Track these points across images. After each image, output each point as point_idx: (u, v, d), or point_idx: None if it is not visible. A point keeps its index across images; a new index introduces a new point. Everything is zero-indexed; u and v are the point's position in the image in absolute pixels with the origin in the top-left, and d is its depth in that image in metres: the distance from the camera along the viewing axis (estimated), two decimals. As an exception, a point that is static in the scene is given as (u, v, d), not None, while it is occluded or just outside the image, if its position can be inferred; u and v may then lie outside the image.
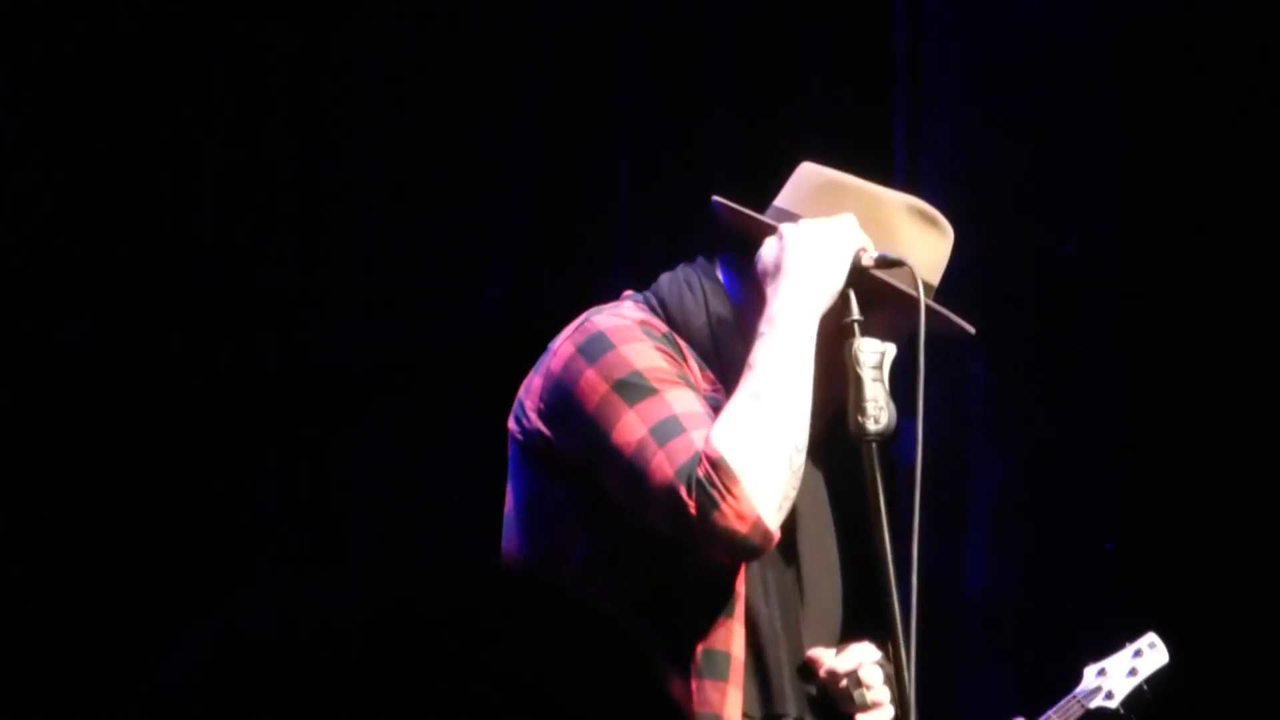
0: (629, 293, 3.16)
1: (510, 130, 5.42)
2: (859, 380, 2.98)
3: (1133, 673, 4.59)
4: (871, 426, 2.98)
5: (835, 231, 3.01)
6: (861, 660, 3.06)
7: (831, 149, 3.25)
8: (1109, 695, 4.57)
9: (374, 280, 5.39)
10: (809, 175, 3.16)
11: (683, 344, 3.04)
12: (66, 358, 5.16)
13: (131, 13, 5.19)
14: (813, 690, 3.06)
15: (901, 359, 3.07)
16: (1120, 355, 5.36)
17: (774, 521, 2.88)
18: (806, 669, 3.06)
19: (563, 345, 3.02)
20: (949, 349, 4.86)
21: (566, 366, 2.99)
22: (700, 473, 2.85)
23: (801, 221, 3.03)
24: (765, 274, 3.01)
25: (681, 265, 3.16)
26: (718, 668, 2.95)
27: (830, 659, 3.06)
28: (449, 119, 5.38)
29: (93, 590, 5.10)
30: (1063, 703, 4.57)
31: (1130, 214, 5.37)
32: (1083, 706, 4.56)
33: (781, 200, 3.15)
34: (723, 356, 3.06)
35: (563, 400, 2.98)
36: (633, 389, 2.92)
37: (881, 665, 3.06)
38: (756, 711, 3.00)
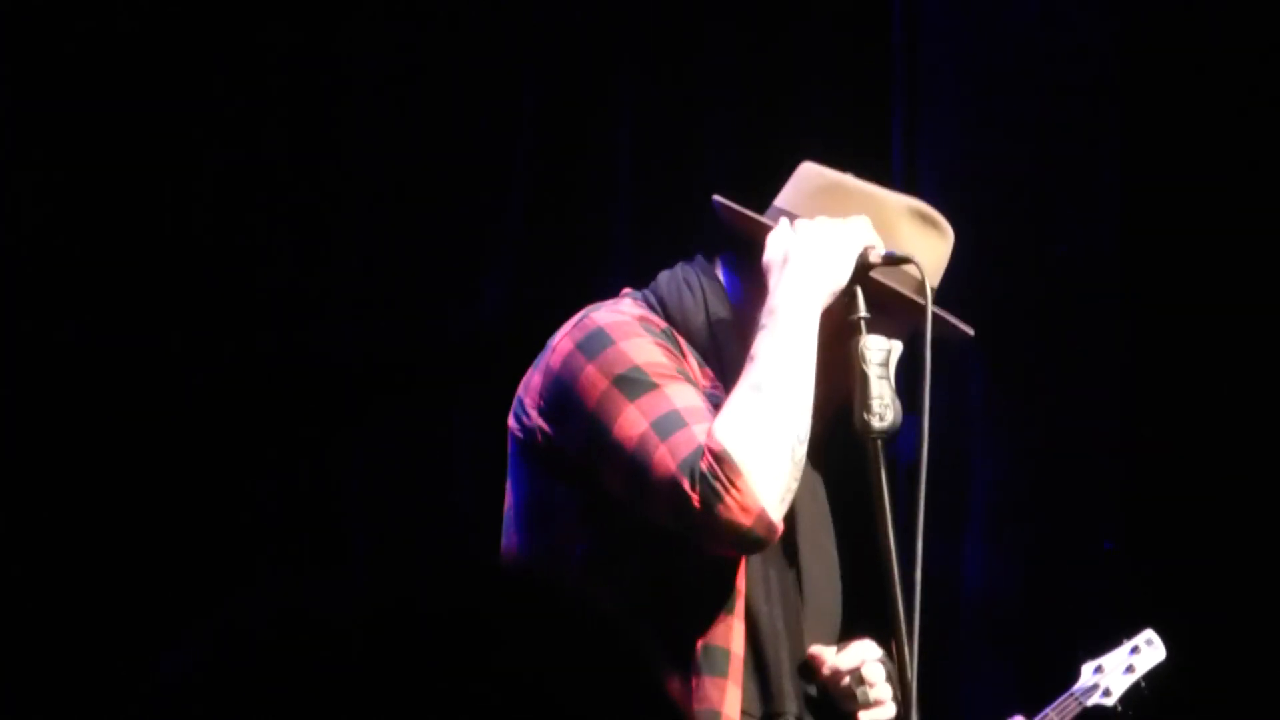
0: (628, 290, 3.16)
1: (510, 130, 5.42)
2: (865, 377, 2.98)
3: (1130, 670, 4.59)
4: (877, 424, 2.98)
5: (844, 228, 3.01)
6: (864, 658, 3.06)
7: (830, 149, 3.25)
8: (1106, 692, 4.56)
9: (374, 280, 5.39)
10: (810, 176, 3.16)
11: (682, 341, 3.04)
12: (66, 358, 5.16)
13: (131, 13, 5.19)
14: (812, 688, 3.06)
15: (902, 358, 3.07)
16: (1120, 355, 5.36)
17: (777, 513, 2.88)
18: (806, 667, 3.06)
19: (562, 342, 3.02)
20: (948, 348, 4.86)
21: (566, 363, 2.98)
22: (703, 466, 2.85)
23: (817, 217, 3.03)
24: (770, 266, 3.01)
25: (680, 264, 3.16)
26: (717, 664, 2.95)
27: (832, 657, 3.06)
28: (449, 119, 5.38)
29: (93, 590, 5.10)
30: (1060, 700, 4.56)
31: (1130, 214, 5.37)
32: (1080, 704, 4.55)
33: (782, 200, 3.15)
34: (721, 354, 3.06)
35: (563, 396, 2.98)
36: (633, 384, 2.92)
37: (884, 663, 3.06)
38: (756, 709, 2.99)
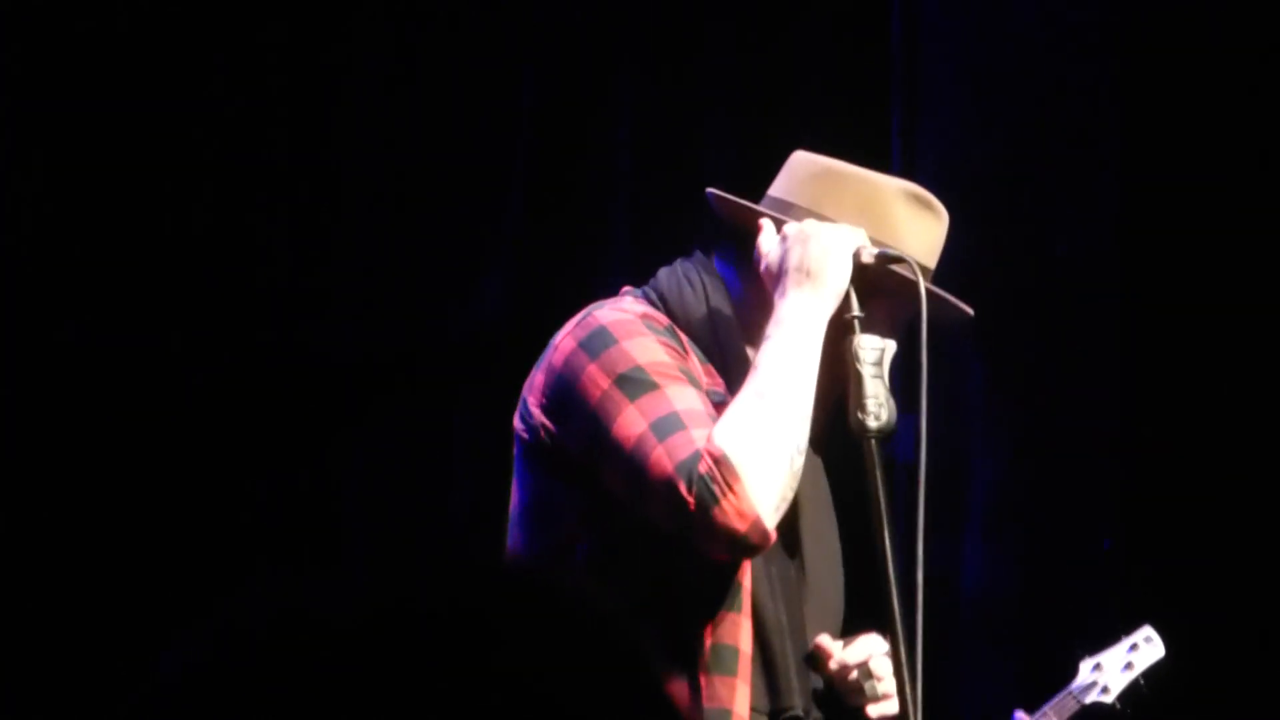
0: (628, 288, 3.16)
1: (510, 130, 5.42)
2: (859, 377, 2.98)
3: (1128, 667, 4.58)
4: (872, 423, 2.97)
5: (837, 232, 3.01)
6: (871, 652, 3.06)
7: (830, 149, 3.25)
8: (1105, 690, 4.56)
9: (374, 279, 5.39)
10: (803, 163, 3.16)
11: (684, 337, 3.04)
12: (66, 358, 5.16)
13: (131, 13, 5.19)
14: (818, 682, 3.06)
15: (900, 356, 3.07)
16: (1118, 354, 5.36)
17: (772, 521, 2.88)
18: (810, 661, 3.06)
19: (564, 340, 3.02)
20: (947, 347, 4.87)
21: (568, 362, 2.98)
22: (702, 468, 2.85)
23: (806, 221, 3.03)
24: (769, 272, 3.01)
25: (679, 260, 3.16)
26: (726, 663, 2.95)
27: (839, 649, 3.06)
28: (449, 119, 5.38)
29: (93, 590, 5.10)
30: (1057, 698, 4.55)
31: (1129, 214, 5.37)
32: (1078, 702, 4.54)
33: (776, 189, 3.15)
34: (723, 349, 3.06)
35: (565, 395, 2.98)
36: (634, 384, 2.92)
37: (891, 657, 3.05)
38: (764, 705, 2.99)
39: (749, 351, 3.04)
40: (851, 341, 3.00)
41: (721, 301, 3.09)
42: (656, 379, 2.93)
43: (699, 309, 3.08)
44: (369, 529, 5.31)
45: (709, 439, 2.86)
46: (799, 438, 2.91)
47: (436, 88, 5.38)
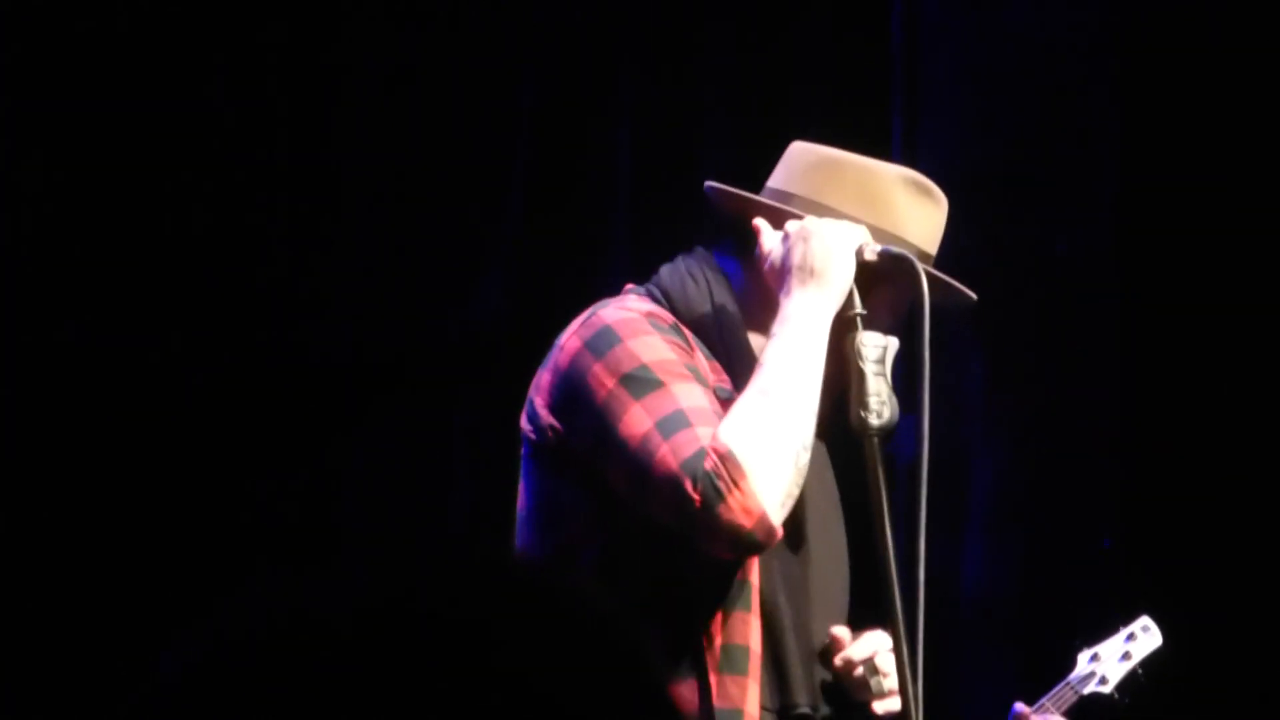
0: (631, 285, 3.16)
1: (509, 130, 5.42)
2: (861, 374, 2.98)
3: (1126, 657, 4.57)
4: (874, 421, 2.97)
5: (839, 229, 3.01)
6: (877, 648, 3.05)
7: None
8: (1103, 680, 4.55)
9: (373, 280, 5.39)
10: (801, 153, 3.15)
11: (688, 334, 3.04)
12: (66, 358, 5.16)
13: (131, 13, 5.19)
14: (826, 678, 3.06)
15: (900, 354, 3.07)
16: (1118, 354, 5.36)
17: (778, 518, 2.88)
18: (817, 657, 3.05)
19: (570, 340, 3.01)
20: (947, 347, 4.87)
21: (574, 361, 2.98)
22: (707, 465, 2.84)
23: (807, 218, 3.03)
24: (773, 270, 3.01)
25: (681, 256, 3.16)
26: (737, 662, 2.95)
27: (847, 644, 3.05)
28: (448, 119, 5.38)
29: (93, 590, 5.10)
30: (1056, 690, 4.55)
31: (1129, 213, 5.37)
32: (1076, 693, 4.54)
33: (775, 180, 3.14)
34: (728, 344, 3.06)
35: (571, 395, 2.97)
36: (640, 382, 2.92)
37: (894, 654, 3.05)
38: (772, 703, 2.99)
39: (754, 346, 3.04)
40: (854, 339, 2.99)
41: (725, 296, 3.09)
42: (662, 377, 2.92)
43: (703, 304, 3.08)
44: (369, 529, 5.31)
45: (714, 436, 2.86)
46: (805, 435, 2.91)
47: (436, 88, 5.38)
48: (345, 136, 5.38)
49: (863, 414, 2.97)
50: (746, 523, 2.85)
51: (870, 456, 2.97)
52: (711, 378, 3.01)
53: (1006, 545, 5.34)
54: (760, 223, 3.05)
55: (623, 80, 5.46)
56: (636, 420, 2.90)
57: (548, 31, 5.42)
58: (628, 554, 2.95)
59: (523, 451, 3.07)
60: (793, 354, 2.93)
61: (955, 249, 3.17)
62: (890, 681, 3.05)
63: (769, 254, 3.02)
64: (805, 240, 2.99)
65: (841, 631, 3.06)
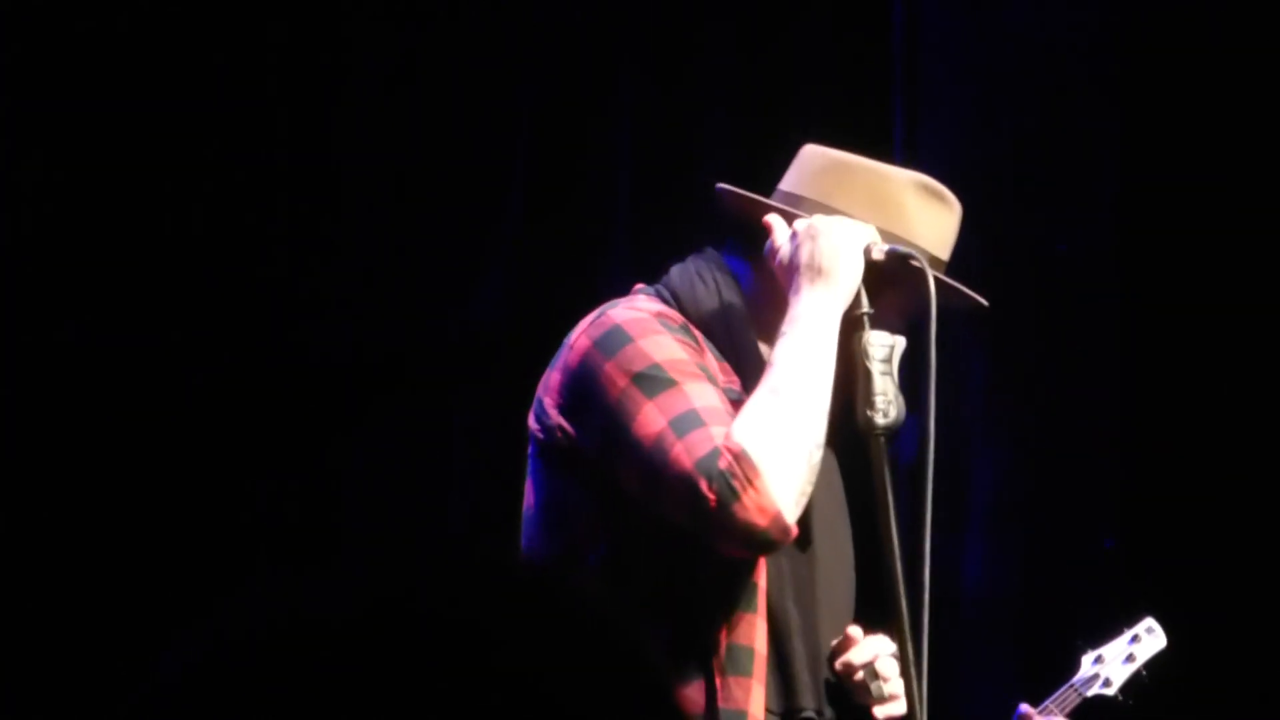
0: (640, 286, 3.15)
1: (509, 130, 5.42)
2: (868, 374, 2.97)
3: (1130, 659, 4.57)
4: (880, 420, 2.97)
5: (847, 227, 3.01)
6: (878, 652, 3.05)
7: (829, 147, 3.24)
8: (1106, 682, 4.55)
9: (373, 280, 5.39)
10: (813, 156, 3.15)
11: (698, 334, 3.04)
12: (66, 358, 5.16)
13: (131, 13, 5.19)
14: (831, 681, 3.06)
15: (904, 353, 3.06)
16: (1118, 354, 5.37)
17: (792, 516, 2.87)
18: (823, 659, 3.05)
19: (579, 340, 3.01)
20: (948, 347, 4.86)
21: (585, 361, 2.97)
22: (722, 464, 2.84)
23: (815, 217, 3.03)
24: (781, 269, 3.01)
25: (691, 256, 3.15)
26: (741, 664, 2.94)
27: (849, 648, 3.05)
28: (448, 120, 5.38)
29: (93, 590, 5.10)
30: (1059, 692, 4.55)
31: (1129, 213, 5.38)
32: (1080, 695, 4.54)
33: (786, 184, 3.14)
34: (737, 345, 3.06)
35: (582, 394, 2.97)
36: (652, 381, 2.91)
37: (897, 657, 3.05)
38: (777, 705, 2.98)
39: (763, 347, 3.04)
40: (861, 338, 2.99)
41: (734, 297, 3.08)
42: (674, 376, 2.92)
43: (712, 305, 3.07)
44: (369, 529, 5.31)
45: (728, 435, 2.86)
46: (817, 433, 2.90)
47: (436, 88, 5.38)
48: (345, 136, 5.38)
49: (869, 413, 2.96)
50: (761, 521, 2.84)
51: (876, 456, 2.97)
52: (721, 378, 3.00)
53: (1007, 545, 5.34)
54: (773, 218, 3.05)
55: (623, 80, 5.46)
56: (650, 419, 2.89)
57: (548, 31, 5.42)
58: (634, 554, 2.95)
59: (530, 451, 3.06)
60: (803, 353, 2.93)
61: (955, 249, 3.16)
62: (890, 686, 3.04)
63: (777, 252, 3.02)
64: (813, 239, 2.99)
65: (855, 631, 3.06)
